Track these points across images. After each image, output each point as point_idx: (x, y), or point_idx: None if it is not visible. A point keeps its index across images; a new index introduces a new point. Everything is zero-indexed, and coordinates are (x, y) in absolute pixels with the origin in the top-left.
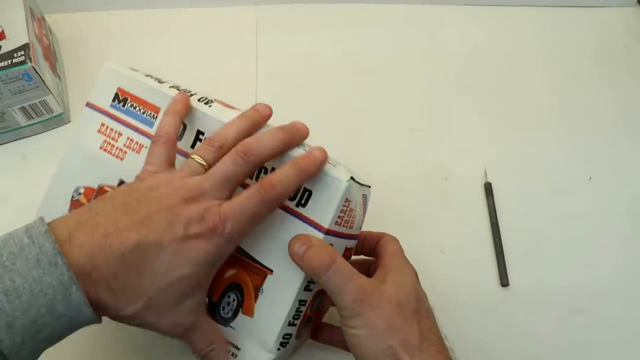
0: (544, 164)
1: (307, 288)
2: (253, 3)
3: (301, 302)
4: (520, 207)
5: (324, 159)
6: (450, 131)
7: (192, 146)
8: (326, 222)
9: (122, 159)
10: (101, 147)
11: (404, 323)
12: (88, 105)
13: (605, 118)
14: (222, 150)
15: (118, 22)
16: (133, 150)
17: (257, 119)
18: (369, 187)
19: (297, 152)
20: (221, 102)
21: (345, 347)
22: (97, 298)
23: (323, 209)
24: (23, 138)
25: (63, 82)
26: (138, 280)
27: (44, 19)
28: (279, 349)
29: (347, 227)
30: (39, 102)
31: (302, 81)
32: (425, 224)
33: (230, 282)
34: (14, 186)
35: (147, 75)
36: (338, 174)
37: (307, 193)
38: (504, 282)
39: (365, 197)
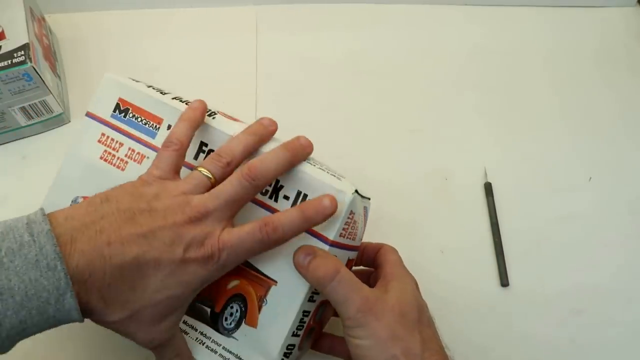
0: (544, 164)
1: (311, 299)
2: (253, 3)
3: (305, 313)
4: (520, 207)
5: (333, 210)
6: (450, 131)
7: (195, 157)
8: (331, 234)
9: (123, 169)
10: (101, 157)
11: (407, 332)
12: (88, 115)
13: (605, 118)
14: (230, 167)
15: (118, 22)
16: (135, 160)
17: (263, 134)
18: (369, 199)
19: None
20: (224, 114)
21: (346, 356)
22: (87, 303)
23: (328, 221)
24: (23, 138)
25: (63, 82)
26: (130, 293)
27: (44, 19)
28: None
29: (350, 239)
30: (39, 102)
31: (302, 81)
32: (425, 224)
33: (233, 293)
34: (14, 186)
35: (149, 86)
36: (343, 187)
37: None
38: (504, 282)
39: (366, 210)
